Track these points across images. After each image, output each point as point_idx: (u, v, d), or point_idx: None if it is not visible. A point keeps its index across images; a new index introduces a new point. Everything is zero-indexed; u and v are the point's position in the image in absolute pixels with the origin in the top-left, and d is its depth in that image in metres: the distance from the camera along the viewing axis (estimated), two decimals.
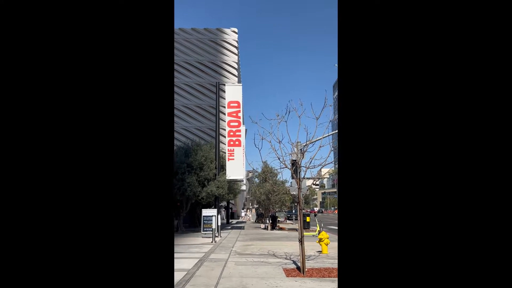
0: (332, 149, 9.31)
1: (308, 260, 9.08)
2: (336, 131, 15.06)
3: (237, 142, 22.30)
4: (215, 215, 16.54)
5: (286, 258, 9.82)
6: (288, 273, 7.60)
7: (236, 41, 35.87)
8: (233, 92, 23.05)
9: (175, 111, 33.38)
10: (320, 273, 7.57)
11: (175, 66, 34.25)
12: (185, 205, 21.19)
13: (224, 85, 24.72)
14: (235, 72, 35.27)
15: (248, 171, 34.83)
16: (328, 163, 8.21)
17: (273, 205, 25.30)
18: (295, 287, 6.39)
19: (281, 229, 23.51)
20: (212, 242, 14.70)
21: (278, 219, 28.14)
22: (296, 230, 21.02)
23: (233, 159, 22.00)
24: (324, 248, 10.91)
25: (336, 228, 19.77)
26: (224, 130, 23.59)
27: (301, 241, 7.60)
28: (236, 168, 21.91)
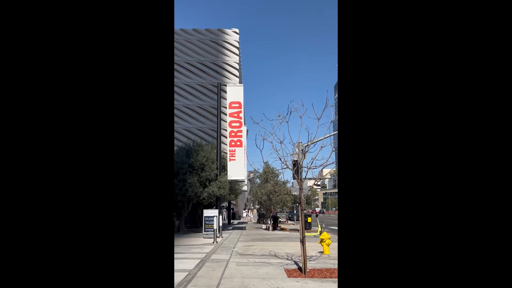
0: (334, 149, 9.29)
1: (309, 260, 9.07)
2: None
3: (238, 143, 22.31)
4: (216, 216, 16.54)
5: (287, 259, 9.81)
6: (290, 273, 7.59)
7: (237, 42, 35.89)
8: (234, 92, 23.08)
9: (177, 112, 33.42)
10: (321, 273, 7.56)
11: (177, 67, 34.29)
12: (186, 206, 21.20)
13: (226, 85, 24.75)
14: (236, 73, 35.28)
15: (250, 172, 34.85)
16: (330, 164, 8.20)
17: (275, 205, 25.28)
18: (296, 287, 6.38)
19: (282, 229, 23.49)
20: (213, 242, 14.70)
21: (280, 219, 28.12)
22: (298, 230, 21.01)
23: (234, 159, 22.01)
24: (325, 248, 10.89)
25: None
26: (226, 130, 23.60)
27: (302, 241, 7.60)
28: (237, 169, 21.92)
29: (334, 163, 8.78)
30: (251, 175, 36.53)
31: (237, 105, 22.72)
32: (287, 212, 36.89)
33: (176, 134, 32.71)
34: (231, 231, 22.35)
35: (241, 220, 42.01)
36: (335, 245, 11.14)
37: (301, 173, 8.27)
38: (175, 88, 33.73)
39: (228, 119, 22.75)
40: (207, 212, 17.05)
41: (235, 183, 23.49)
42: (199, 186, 19.40)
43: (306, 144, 8.99)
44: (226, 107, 23.46)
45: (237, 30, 36.18)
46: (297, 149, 9.19)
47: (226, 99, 23.48)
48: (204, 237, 16.52)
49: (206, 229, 16.64)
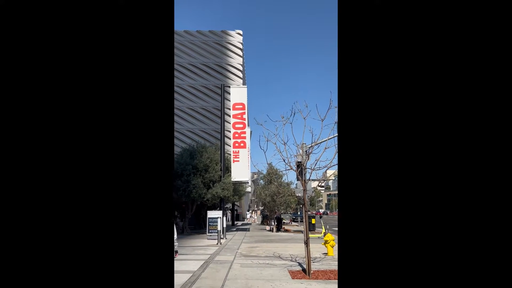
0: (338, 150, 9.27)
1: (313, 262, 9.05)
2: None
3: (242, 144, 22.32)
4: (220, 217, 16.55)
5: (291, 260, 9.79)
6: (294, 275, 7.57)
7: (241, 43, 35.96)
8: (238, 94, 23.10)
9: (181, 113, 33.52)
10: (326, 275, 7.54)
11: (181, 69, 34.41)
12: (190, 207, 21.23)
13: (229, 87, 24.77)
14: (240, 74, 35.33)
15: (253, 173, 34.85)
16: (334, 165, 8.17)
17: (278, 207, 25.24)
18: None
19: (286, 231, 23.45)
20: (217, 244, 14.70)
21: (283, 221, 28.08)
22: (301, 232, 20.96)
23: (238, 161, 22.03)
24: (329, 250, 10.86)
25: None
26: (229, 132, 23.63)
27: (306, 243, 7.58)
28: (241, 170, 21.93)
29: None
30: (255, 176, 36.53)
31: (241, 106, 22.74)
32: (291, 214, 36.82)
33: (180, 136, 32.81)
34: (235, 232, 22.35)
35: (245, 222, 42.00)
36: None
37: (305, 174, 8.26)
38: (179, 90, 33.85)
39: (232, 120, 22.77)
40: (211, 214, 17.07)
41: (239, 185, 23.50)
42: (203, 187, 19.43)
43: (310, 146, 8.98)
44: (229, 109, 23.49)
45: (241, 32, 36.24)
46: (301, 150, 9.18)
47: (229, 101, 23.51)
48: (208, 239, 16.52)
49: (210, 231, 16.66)
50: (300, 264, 9.00)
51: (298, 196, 22.49)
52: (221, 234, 15.65)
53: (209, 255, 11.03)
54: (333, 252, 10.86)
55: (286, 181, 28.30)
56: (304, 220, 8.15)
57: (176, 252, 5.11)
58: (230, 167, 22.04)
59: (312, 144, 8.72)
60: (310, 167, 8.18)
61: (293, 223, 34.16)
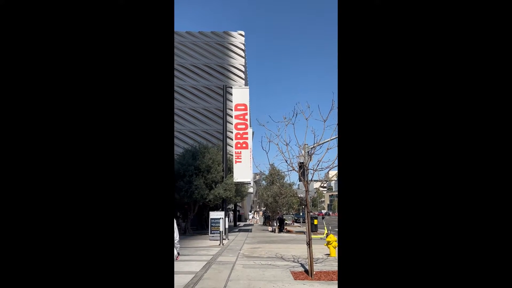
0: (338, 151, 9.26)
1: (316, 263, 9.04)
2: None
3: (244, 145, 22.33)
4: (222, 218, 16.56)
5: (294, 261, 9.79)
6: (296, 276, 7.57)
7: (243, 44, 35.99)
8: (240, 94, 23.12)
9: (183, 114, 33.56)
10: (328, 276, 7.53)
11: (183, 69, 34.46)
12: (192, 208, 21.25)
13: (231, 87, 24.80)
14: (242, 75, 35.36)
15: (256, 174, 34.83)
16: (336, 166, 8.16)
17: (281, 207, 25.25)
18: None
19: (288, 231, 23.44)
20: (219, 244, 14.71)
21: (286, 221, 28.07)
22: (304, 232, 20.94)
23: (240, 161, 22.03)
24: (332, 251, 10.85)
25: None
26: (231, 132, 23.64)
27: (309, 244, 7.57)
28: (243, 171, 21.94)
29: None
30: (257, 177, 36.51)
31: (243, 107, 22.75)
32: (293, 214, 36.81)
33: (182, 136, 32.85)
34: (237, 233, 22.35)
35: (247, 222, 41.98)
36: None
37: (307, 175, 8.26)
38: (181, 91, 33.90)
39: (234, 121, 22.79)
40: (213, 214, 17.08)
41: (241, 185, 23.50)
42: (205, 188, 19.45)
43: (312, 146, 8.97)
44: (232, 109, 23.51)
45: (243, 33, 36.28)
46: (303, 151, 9.18)
47: (231, 101, 23.53)
48: (210, 239, 16.53)
49: (212, 231, 16.67)
50: (302, 265, 8.99)
51: (300, 197, 22.48)
52: (223, 235, 15.66)
53: (212, 256, 11.04)
54: (336, 253, 10.84)
55: (288, 182, 28.30)
56: (306, 221, 8.15)
57: (178, 254, 5.10)
58: (232, 168, 22.05)
59: (314, 145, 8.71)
60: (312, 168, 8.18)
61: (295, 224, 34.14)
